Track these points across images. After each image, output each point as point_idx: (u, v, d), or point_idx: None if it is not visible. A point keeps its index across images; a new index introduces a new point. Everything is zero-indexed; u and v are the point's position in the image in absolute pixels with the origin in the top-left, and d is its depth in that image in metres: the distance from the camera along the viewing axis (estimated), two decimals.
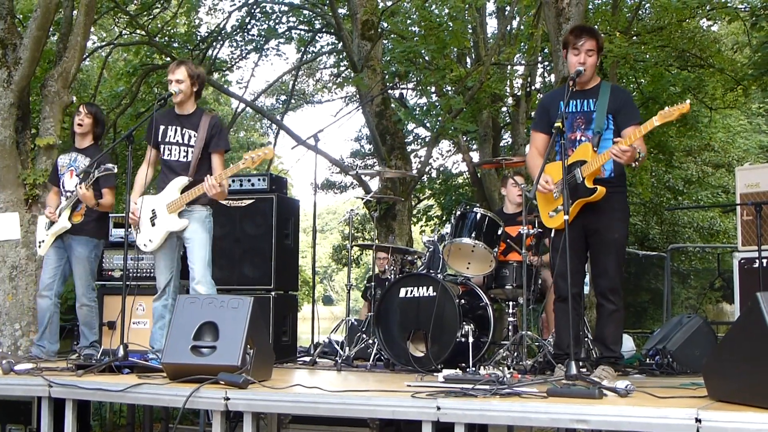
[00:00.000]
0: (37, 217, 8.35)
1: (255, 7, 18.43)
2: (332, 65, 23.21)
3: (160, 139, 6.82)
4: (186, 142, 6.74)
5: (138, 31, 17.28)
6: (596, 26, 16.45)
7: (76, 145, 7.79)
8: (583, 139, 5.88)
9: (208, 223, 6.76)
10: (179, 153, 6.76)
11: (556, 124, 5.48)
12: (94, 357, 7.10)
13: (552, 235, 6.17)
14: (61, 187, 7.68)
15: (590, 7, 16.82)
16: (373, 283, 9.23)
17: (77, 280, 7.52)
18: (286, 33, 19.17)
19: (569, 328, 5.61)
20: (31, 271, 8.77)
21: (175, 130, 6.78)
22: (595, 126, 5.82)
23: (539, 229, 7.02)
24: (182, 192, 6.62)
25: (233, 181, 8.12)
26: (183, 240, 6.72)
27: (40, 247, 7.62)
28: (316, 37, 20.16)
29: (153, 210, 6.73)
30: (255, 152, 6.36)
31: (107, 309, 8.47)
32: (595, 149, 5.75)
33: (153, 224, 6.71)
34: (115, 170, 7.27)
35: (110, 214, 8.42)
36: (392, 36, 16.79)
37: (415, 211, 21.67)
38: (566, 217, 5.39)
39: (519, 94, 19.07)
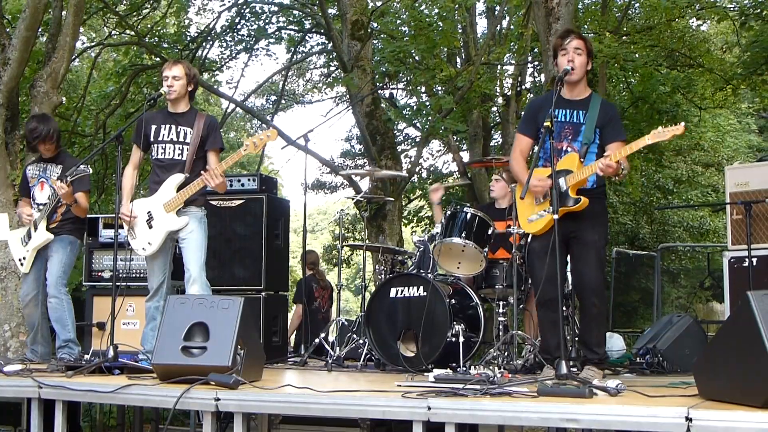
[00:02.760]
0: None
1: (244, 7, 18.39)
2: (322, 65, 23.20)
3: (152, 139, 6.77)
4: (181, 139, 6.70)
5: (127, 32, 17.24)
6: (586, 26, 16.52)
7: (43, 155, 7.62)
8: (569, 149, 5.90)
9: (204, 223, 6.73)
10: (174, 151, 6.71)
11: (545, 124, 5.50)
12: (70, 359, 7.06)
13: (530, 240, 6.20)
14: (32, 199, 7.57)
15: (580, 7, 16.84)
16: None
17: (49, 275, 7.39)
18: (276, 33, 19.13)
19: (554, 332, 5.62)
20: (20, 272, 8.74)
21: (170, 129, 6.73)
22: (583, 138, 5.85)
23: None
24: (179, 190, 6.59)
25: None
26: (178, 240, 6.70)
27: (22, 265, 7.47)
28: (306, 38, 20.11)
29: (148, 212, 6.68)
30: (256, 136, 6.34)
31: (97, 310, 8.46)
32: (582, 160, 5.78)
33: (150, 226, 6.66)
34: (90, 171, 7.14)
35: (100, 215, 8.42)
36: (382, 36, 16.79)
37: (405, 213, 21.65)
38: (556, 216, 5.40)
39: (509, 93, 19.07)
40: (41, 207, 7.43)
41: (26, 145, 7.70)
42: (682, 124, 5.41)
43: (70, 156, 7.83)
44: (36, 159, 7.71)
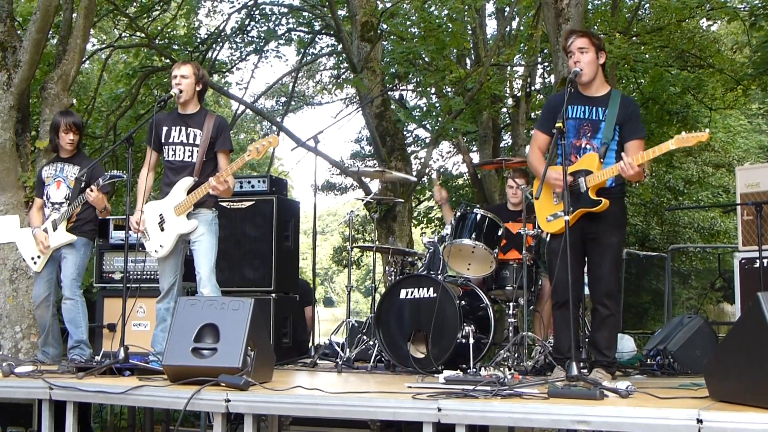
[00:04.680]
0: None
1: (254, 9, 18.42)
2: (332, 67, 23.22)
3: (163, 141, 6.81)
4: (191, 141, 6.73)
5: (138, 34, 17.27)
6: (596, 26, 16.48)
7: (60, 155, 7.66)
8: (588, 147, 5.88)
9: (215, 225, 6.76)
10: (184, 153, 6.75)
11: (557, 125, 5.48)
12: (81, 360, 7.07)
13: (548, 239, 6.19)
14: (46, 198, 7.58)
15: (590, 7, 16.80)
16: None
17: (63, 277, 7.41)
18: (286, 35, 19.16)
19: (569, 333, 5.61)
20: (31, 273, 8.74)
21: (180, 130, 6.77)
22: (602, 137, 5.82)
23: (540, 230, 6.99)
24: (188, 193, 6.62)
25: None
26: (189, 243, 6.72)
27: (35, 263, 7.51)
28: (316, 39, 20.16)
29: (160, 215, 6.71)
30: (259, 142, 6.33)
31: (108, 311, 8.48)
32: (602, 160, 5.76)
33: (162, 229, 6.69)
34: (125, 177, 7.15)
35: (110, 217, 8.44)
36: (392, 37, 16.79)
37: (415, 214, 21.64)
38: (567, 218, 5.39)
39: (519, 95, 19.05)
40: (56, 206, 7.47)
41: (50, 141, 7.70)
42: (707, 131, 5.41)
43: (87, 157, 7.87)
44: (52, 159, 7.75)
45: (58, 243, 7.36)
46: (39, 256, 7.45)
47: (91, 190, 7.07)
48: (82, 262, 7.51)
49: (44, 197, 7.57)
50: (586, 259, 6.03)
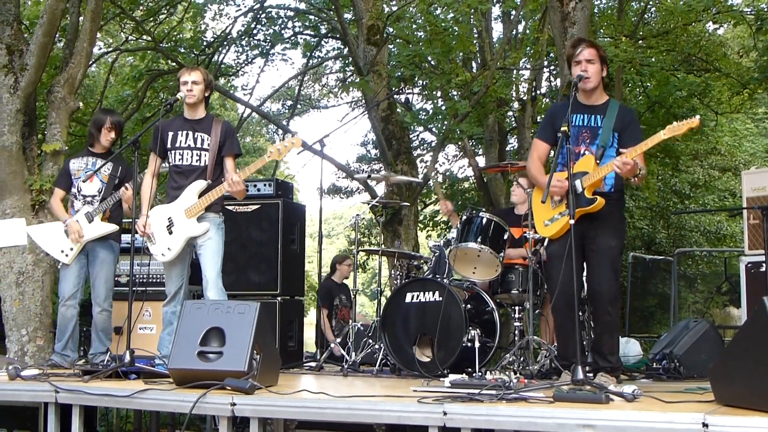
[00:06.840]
0: (44, 222, 8.34)
1: (261, 12, 18.44)
2: (338, 70, 23.23)
3: (169, 146, 6.82)
4: (199, 146, 6.76)
5: (144, 37, 17.30)
6: (602, 30, 16.47)
7: (93, 149, 7.69)
8: (586, 153, 5.92)
9: (221, 230, 6.78)
10: (192, 157, 6.76)
11: (562, 128, 5.51)
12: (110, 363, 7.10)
13: (546, 244, 6.20)
14: (77, 191, 7.59)
15: (596, 11, 16.79)
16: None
17: (101, 284, 7.45)
18: (292, 38, 19.18)
19: (572, 337, 5.61)
20: (37, 276, 8.74)
21: (187, 135, 6.79)
22: (600, 141, 5.87)
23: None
24: (200, 196, 6.63)
25: None
26: (195, 246, 6.73)
27: (67, 256, 7.47)
28: (322, 42, 20.17)
29: (169, 218, 6.72)
30: (281, 144, 6.37)
31: (114, 314, 8.48)
32: (598, 162, 5.79)
33: (170, 232, 6.70)
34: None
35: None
36: (398, 40, 16.80)
37: (421, 217, 21.63)
38: (572, 221, 5.39)
39: (525, 98, 19.02)
40: (89, 198, 7.51)
41: (90, 135, 7.73)
42: (697, 117, 5.41)
43: (117, 156, 7.88)
44: (82, 152, 7.76)
45: (94, 234, 7.39)
46: (72, 249, 7.46)
47: (126, 188, 7.13)
48: (114, 269, 7.63)
49: (75, 189, 7.59)
50: (584, 263, 6.04)
